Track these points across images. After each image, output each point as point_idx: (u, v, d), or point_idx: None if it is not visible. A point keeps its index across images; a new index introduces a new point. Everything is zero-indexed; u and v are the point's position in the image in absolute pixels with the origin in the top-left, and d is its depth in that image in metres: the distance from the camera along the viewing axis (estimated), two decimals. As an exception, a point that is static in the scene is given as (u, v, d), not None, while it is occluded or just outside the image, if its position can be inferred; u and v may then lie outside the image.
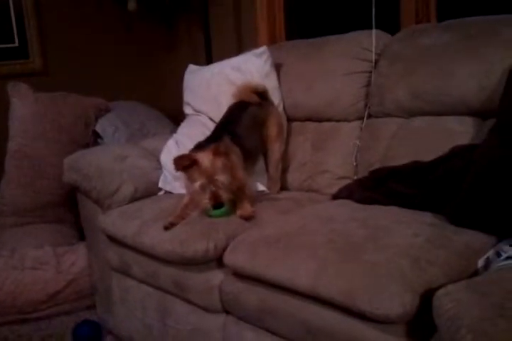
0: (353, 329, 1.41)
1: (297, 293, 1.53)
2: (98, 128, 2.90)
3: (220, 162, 1.83)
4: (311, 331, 1.51)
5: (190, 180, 1.86)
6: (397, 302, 1.31)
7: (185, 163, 1.82)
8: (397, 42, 2.27)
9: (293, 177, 2.40)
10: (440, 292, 1.26)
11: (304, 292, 1.50)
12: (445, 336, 1.19)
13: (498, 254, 1.43)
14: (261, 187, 2.24)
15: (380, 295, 1.34)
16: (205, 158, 1.83)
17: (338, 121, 2.38)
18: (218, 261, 1.82)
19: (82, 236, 2.58)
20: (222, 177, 1.82)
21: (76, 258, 2.43)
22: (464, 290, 1.23)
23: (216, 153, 1.83)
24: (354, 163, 2.22)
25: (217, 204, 1.84)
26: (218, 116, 2.30)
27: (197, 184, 1.82)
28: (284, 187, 2.39)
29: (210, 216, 1.90)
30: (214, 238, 1.82)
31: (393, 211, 1.75)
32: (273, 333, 1.64)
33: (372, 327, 1.37)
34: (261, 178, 2.31)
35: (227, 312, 1.79)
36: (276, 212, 1.98)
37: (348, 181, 2.15)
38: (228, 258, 1.74)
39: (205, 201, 1.83)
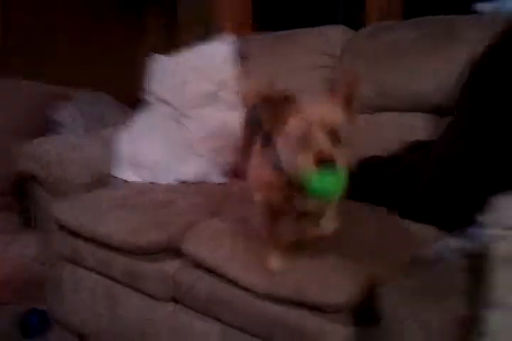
0: (302, 319, 1.42)
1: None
2: (58, 117, 2.84)
3: (343, 114, 1.19)
4: (259, 321, 1.50)
5: (278, 128, 1.20)
6: (343, 292, 1.32)
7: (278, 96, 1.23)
8: (362, 38, 2.28)
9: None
10: (384, 289, 1.27)
11: (259, 291, 1.48)
12: (390, 324, 1.19)
13: (445, 247, 1.44)
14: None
15: (328, 286, 1.34)
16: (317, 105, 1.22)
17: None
18: (173, 251, 1.78)
19: (30, 225, 2.52)
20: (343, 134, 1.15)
21: (24, 247, 2.37)
22: (408, 280, 1.24)
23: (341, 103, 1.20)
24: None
25: (326, 162, 1.10)
26: (183, 104, 2.27)
27: (296, 132, 1.15)
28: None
29: (310, 189, 1.13)
30: (170, 227, 1.79)
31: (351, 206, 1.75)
32: (222, 322, 1.62)
33: (320, 317, 1.38)
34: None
35: (177, 301, 1.76)
36: (233, 201, 1.96)
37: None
38: (186, 248, 1.70)
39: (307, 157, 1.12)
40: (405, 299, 1.16)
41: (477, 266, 1.25)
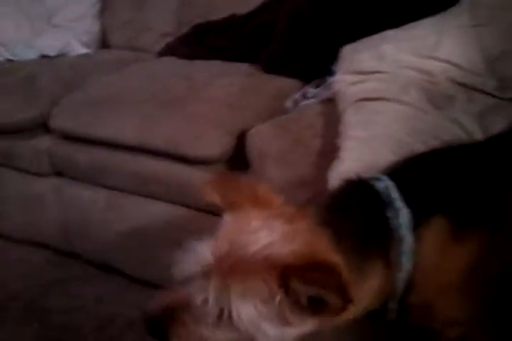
0: (181, 174, 1.52)
1: (126, 148, 1.58)
2: None
3: None
4: (143, 180, 1.59)
5: None
6: (215, 144, 1.43)
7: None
8: None
9: (117, 37, 2.32)
10: (252, 131, 1.38)
11: (132, 145, 1.55)
12: (256, 169, 1.33)
13: (305, 96, 1.58)
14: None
15: (201, 140, 1.44)
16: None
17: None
18: (45, 127, 1.78)
19: None
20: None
21: None
22: (270, 128, 1.37)
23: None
24: (177, 20, 2.18)
25: None
26: None
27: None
28: (107, 46, 2.33)
29: None
30: (38, 104, 1.78)
31: (214, 64, 1.82)
32: (108, 188, 1.71)
33: (197, 170, 1.49)
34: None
35: (60, 174, 1.80)
36: (98, 73, 1.93)
37: (172, 38, 2.13)
38: (54, 123, 1.71)
39: None
40: (268, 145, 1.29)
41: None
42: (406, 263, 0.72)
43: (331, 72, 1.62)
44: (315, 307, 0.66)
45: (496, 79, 1.23)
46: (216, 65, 1.81)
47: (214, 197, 0.80)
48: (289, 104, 1.59)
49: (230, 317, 0.68)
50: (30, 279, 1.89)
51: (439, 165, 0.85)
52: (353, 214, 0.76)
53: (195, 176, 1.49)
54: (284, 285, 0.66)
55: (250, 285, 0.68)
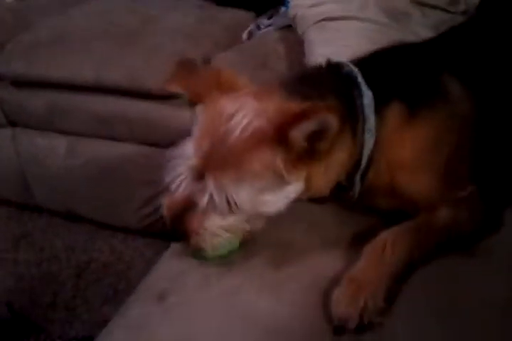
0: (145, 111, 1.51)
1: (84, 89, 1.54)
2: None
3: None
4: (104, 122, 1.57)
5: None
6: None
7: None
8: None
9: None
10: (216, 59, 1.41)
11: (90, 85, 1.52)
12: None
13: (258, 27, 1.59)
14: None
15: (164, 72, 1.40)
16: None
17: None
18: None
19: None
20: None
21: None
22: (234, 55, 1.39)
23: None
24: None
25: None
26: None
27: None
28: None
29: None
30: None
31: (197, 5, 1.74)
32: (68, 134, 1.67)
33: (161, 105, 1.47)
34: None
35: (14, 124, 1.75)
36: (42, 16, 1.84)
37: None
38: (2, 69, 1.64)
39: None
40: (236, 67, 1.29)
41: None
42: (369, 140, 0.78)
43: (282, 2, 1.64)
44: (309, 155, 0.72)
45: (447, -5, 1.28)
46: (164, 0, 1.77)
47: (179, 90, 0.81)
48: (244, 35, 1.60)
49: (235, 203, 0.73)
50: (-5, 237, 1.86)
51: (391, 57, 0.91)
52: (322, 88, 0.79)
53: (161, 112, 1.48)
54: (284, 140, 0.71)
55: (243, 169, 0.72)
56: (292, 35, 1.40)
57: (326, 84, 0.80)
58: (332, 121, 0.69)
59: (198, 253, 0.79)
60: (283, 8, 1.61)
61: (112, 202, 1.70)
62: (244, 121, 0.74)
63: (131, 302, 0.87)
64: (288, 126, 0.70)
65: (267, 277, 0.78)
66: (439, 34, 1.05)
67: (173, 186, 0.78)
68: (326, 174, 0.77)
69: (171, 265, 0.89)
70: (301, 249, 0.81)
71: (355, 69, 0.83)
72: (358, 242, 0.79)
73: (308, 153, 0.73)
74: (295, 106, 0.73)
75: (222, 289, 0.78)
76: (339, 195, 0.84)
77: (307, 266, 0.78)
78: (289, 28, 1.45)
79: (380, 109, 0.80)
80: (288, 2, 1.57)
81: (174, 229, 0.78)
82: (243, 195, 0.73)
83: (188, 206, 0.76)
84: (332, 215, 0.86)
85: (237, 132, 0.73)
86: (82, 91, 1.55)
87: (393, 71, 0.86)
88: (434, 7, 1.29)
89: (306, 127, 0.70)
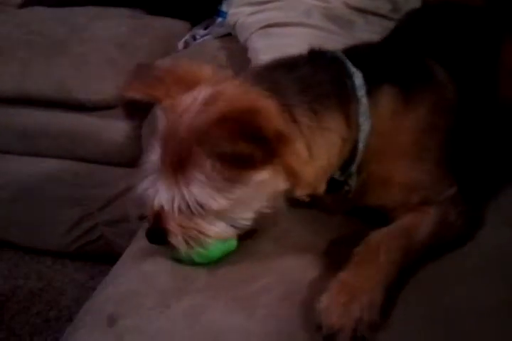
0: (73, 124, 1.41)
1: (6, 101, 1.42)
2: None
3: None
4: (29, 137, 1.44)
5: None
6: (111, 85, 1.33)
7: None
8: None
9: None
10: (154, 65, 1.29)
11: (13, 97, 1.40)
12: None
13: (194, 37, 1.54)
14: None
15: (95, 82, 1.33)
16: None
17: None
18: None
19: None
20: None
21: None
22: (171, 62, 1.30)
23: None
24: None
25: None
26: None
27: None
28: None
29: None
30: None
31: (90, 9, 1.68)
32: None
33: (90, 116, 1.38)
34: None
35: None
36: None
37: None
38: None
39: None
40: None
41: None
42: (365, 124, 0.72)
43: (219, 13, 1.60)
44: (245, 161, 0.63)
45: (389, 2, 1.29)
46: (93, 9, 1.67)
47: (136, 96, 0.73)
48: (180, 45, 1.54)
49: (199, 204, 0.67)
50: None
51: (373, 46, 0.89)
52: (302, 70, 0.73)
53: (90, 125, 1.39)
54: (209, 152, 0.64)
55: (196, 166, 0.65)
56: (232, 44, 1.35)
57: (307, 68, 0.74)
58: (267, 123, 0.61)
59: (179, 255, 0.72)
60: (219, 19, 1.57)
61: (37, 224, 1.56)
62: (194, 115, 0.67)
63: (74, 330, 0.75)
64: (218, 124, 0.62)
65: (234, 292, 0.70)
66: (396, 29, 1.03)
67: (138, 190, 0.72)
68: (313, 161, 0.69)
69: (118, 285, 0.79)
70: (272, 258, 0.73)
71: (340, 53, 0.78)
72: (333, 249, 0.73)
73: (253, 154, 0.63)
74: (244, 98, 0.66)
75: (184, 309, 0.69)
76: (332, 193, 0.76)
77: (279, 277, 0.71)
78: (229, 36, 1.41)
79: (372, 91, 0.74)
80: (223, 12, 1.55)
81: (152, 232, 0.72)
82: (203, 194, 0.66)
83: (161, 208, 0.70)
84: (305, 222, 0.79)
85: (187, 127, 0.66)
86: (4, 104, 1.42)
87: (379, 56, 0.82)
88: (376, 14, 1.29)
89: (229, 132, 0.61)
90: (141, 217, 0.82)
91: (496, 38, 0.95)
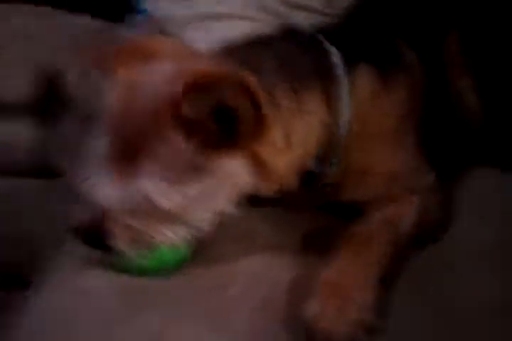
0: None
1: None
2: None
3: None
4: None
5: None
6: (21, 83, 1.21)
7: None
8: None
9: None
10: None
11: None
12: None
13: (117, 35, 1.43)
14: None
15: (7, 80, 1.22)
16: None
17: None
18: None
19: None
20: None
21: None
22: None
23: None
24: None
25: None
26: None
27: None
28: None
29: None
30: None
31: (48, 13, 1.50)
32: None
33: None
34: None
35: None
36: None
37: None
38: None
39: None
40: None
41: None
42: (346, 106, 0.65)
43: (138, 11, 1.50)
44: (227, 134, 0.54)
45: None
46: (49, 14, 1.49)
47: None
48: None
49: (149, 199, 0.56)
50: None
51: (340, 27, 0.84)
52: (278, 47, 0.66)
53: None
54: (180, 121, 0.54)
55: (148, 156, 0.55)
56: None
57: (283, 45, 0.67)
58: (243, 96, 0.52)
59: (122, 263, 0.60)
60: (139, 16, 1.47)
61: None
62: (154, 89, 0.56)
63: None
64: (182, 97, 0.53)
65: (199, 306, 0.58)
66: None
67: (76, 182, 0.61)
68: (289, 150, 0.60)
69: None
70: (238, 261, 0.63)
71: (314, 31, 0.73)
72: (306, 247, 0.64)
73: (225, 135, 0.55)
74: (206, 70, 0.56)
75: (139, 332, 0.56)
76: (305, 188, 0.66)
77: (251, 282, 0.60)
78: (156, 32, 1.31)
79: (349, 70, 0.67)
80: (143, 10, 1.45)
81: (89, 233, 0.59)
82: (154, 189, 0.55)
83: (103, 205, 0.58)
84: (268, 220, 0.69)
85: (145, 103, 0.55)
86: None
87: (348, 36, 0.76)
88: (307, 9, 1.26)
89: (201, 101, 0.53)
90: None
91: (443, 30, 0.92)
